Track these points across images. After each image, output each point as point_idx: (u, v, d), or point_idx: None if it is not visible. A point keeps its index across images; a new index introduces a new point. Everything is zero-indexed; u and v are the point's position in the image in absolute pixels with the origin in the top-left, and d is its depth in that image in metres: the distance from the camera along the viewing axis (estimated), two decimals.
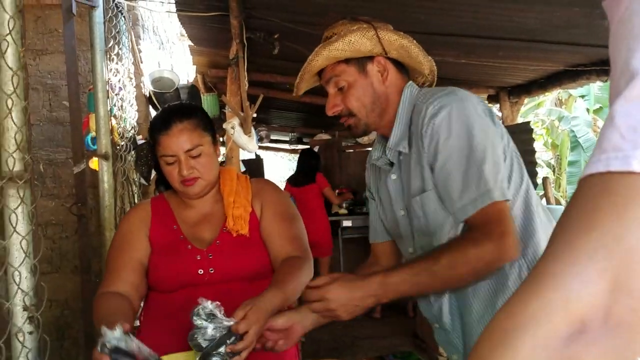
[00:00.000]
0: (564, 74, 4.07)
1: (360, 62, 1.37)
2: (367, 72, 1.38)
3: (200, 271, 1.52)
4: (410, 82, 1.42)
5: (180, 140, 1.54)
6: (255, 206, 1.66)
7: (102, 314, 1.39)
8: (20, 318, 1.44)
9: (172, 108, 1.65)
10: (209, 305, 1.25)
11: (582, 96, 9.88)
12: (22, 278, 1.44)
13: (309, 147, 6.46)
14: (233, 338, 1.24)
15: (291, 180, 5.91)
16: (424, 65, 1.42)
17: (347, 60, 1.37)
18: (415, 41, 1.37)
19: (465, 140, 1.21)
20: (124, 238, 1.61)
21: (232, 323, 1.25)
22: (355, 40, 1.33)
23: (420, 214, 1.33)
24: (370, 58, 1.37)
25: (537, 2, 2.66)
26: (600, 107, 7.82)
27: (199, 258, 1.54)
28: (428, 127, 1.25)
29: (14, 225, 1.41)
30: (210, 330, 1.24)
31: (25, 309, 1.45)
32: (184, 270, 1.53)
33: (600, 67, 3.72)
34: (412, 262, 1.25)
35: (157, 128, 1.58)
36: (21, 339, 1.44)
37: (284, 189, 5.99)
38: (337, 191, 6.25)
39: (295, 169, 6.05)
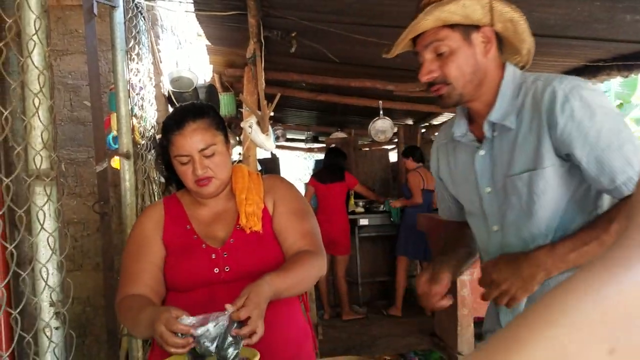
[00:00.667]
0: (584, 70, 4.02)
1: (467, 29, 1.33)
2: (471, 41, 1.34)
3: (216, 270, 1.52)
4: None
5: (194, 139, 1.54)
6: (267, 202, 1.65)
7: (133, 313, 1.42)
8: (47, 314, 1.46)
9: (184, 108, 1.65)
10: (192, 320, 1.26)
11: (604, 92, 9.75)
12: (49, 274, 1.46)
13: (336, 145, 6.46)
14: (235, 324, 1.26)
15: (316, 176, 5.92)
16: (526, 42, 1.39)
17: (452, 26, 1.33)
18: (524, 16, 1.34)
19: (612, 119, 1.24)
20: (139, 243, 1.61)
21: (229, 312, 1.26)
22: (469, 5, 1.29)
23: (524, 191, 1.33)
24: (477, 27, 1.34)
25: None
26: (621, 103, 7.71)
27: (214, 257, 1.54)
28: (565, 106, 1.24)
29: (41, 222, 1.43)
30: (212, 329, 1.24)
31: (52, 304, 1.47)
32: (200, 270, 1.53)
33: (621, 63, 3.66)
34: (579, 232, 1.25)
35: (170, 128, 1.58)
36: (48, 334, 1.46)
37: (309, 183, 6.01)
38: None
39: (317, 166, 6.01)
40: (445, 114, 6.68)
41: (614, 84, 6.42)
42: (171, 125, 1.58)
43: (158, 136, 3.13)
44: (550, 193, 1.30)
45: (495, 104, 1.36)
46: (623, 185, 1.23)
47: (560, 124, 1.24)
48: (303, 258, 1.54)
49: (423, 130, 7.44)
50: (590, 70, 3.96)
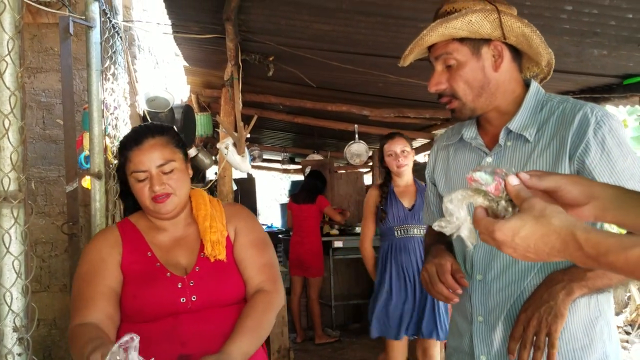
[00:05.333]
0: None
1: (476, 43, 1.32)
2: (480, 55, 1.32)
3: (183, 299, 1.49)
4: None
5: (153, 155, 1.53)
6: (229, 230, 1.64)
7: (79, 346, 1.32)
8: (10, 340, 1.42)
9: (143, 126, 1.64)
10: None
11: None
12: (13, 299, 1.42)
13: (317, 169, 6.49)
14: None
15: (293, 197, 5.97)
16: (543, 57, 1.36)
17: (461, 39, 1.32)
18: (537, 31, 1.31)
19: (632, 152, 1.26)
20: (94, 266, 1.52)
21: None
22: (476, 21, 1.27)
23: None
24: (487, 41, 1.32)
25: None
26: None
27: (180, 286, 1.50)
28: (597, 132, 1.25)
29: (7, 245, 1.40)
30: None
31: (15, 330, 1.43)
32: (166, 299, 1.48)
33: (589, 95, 3.78)
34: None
35: (128, 145, 1.55)
36: None
37: (287, 205, 6.02)
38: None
39: (293, 186, 6.02)
40: (419, 139, 6.77)
41: None
42: (129, 141, 1.56)
43: None
44: None
45: (517, 113, 1.35)
46: None
47: (592, 149, 1.24)
48: (257, 309, 1.53)
49: None
50: None
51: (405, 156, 3.31)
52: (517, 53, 1.36)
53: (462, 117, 1.39)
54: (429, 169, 1.65)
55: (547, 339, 1.21)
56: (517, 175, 0.88)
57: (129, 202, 1.72)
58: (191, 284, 1.51)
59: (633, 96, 3.53)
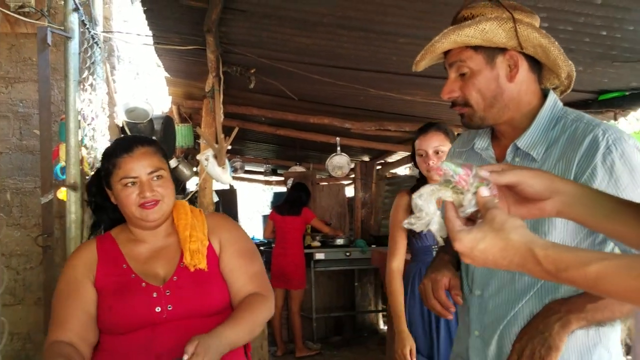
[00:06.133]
0: None
1: (491, 52, 1.27)
2: (495, 64, 1.27)
3: (158, 309, 1.48)
4: (551, 90, 1.33)
5: (143, 162, 1.55)
6: (213, 241, 1.64)
7: None
8: None
9: (131, 136, 1.69)
10: None
11: None
12: None
13: (301, 181, 6.49)
14: None
15: (276, 208, 5.94)
16: (562, 69, 1.29)
17: (475, 47, 1.27)
18: (556, 42, 1.26)
19: None
20: (69, 286, 1.55)
21: None
22: (490, 29, 1.22)
23: (527, 224, 1.25)
24: (503, 50, 1.26)
25: None
26: None
27: (155, 295, 1.50)
28: (607, 157, 1.18)
29: None
30: None
31: None
32: (140, 310, 1.48)
33: None
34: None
35: (117, 152, 1.57)
36: None
37: (269, 216, 6.00)
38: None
39: (275, 198, 6.00)
40: (400, 152, 6.81)
41: None
42: (118, 149, 1.57)
43: None
44: (553, 235, 1.23)
45: (527, 129, 1.29)
46: None
47: (599, 175, 1.18)
48: (253, 304, 1.54)
49: (378, 167, 7.60)
50: None
51: (439, 157, 2.44)
52: (535, 64, 1.31)
53: (472, 125, 1.34)
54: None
55: None
56: (479, 169, 0.88)
57: (103, 216, 1.71)
58: (167, 294, 1.50)
59: (608, 111, 3.60)
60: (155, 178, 1.55)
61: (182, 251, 1.58)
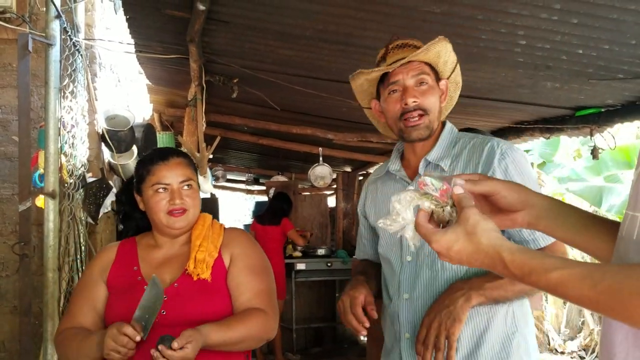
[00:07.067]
0: (509, 130, 4.27)
1: (437, 75, 1.53)
2: (438, 86, 1.53)
3: None
4: None
5: (177, 171, 1.63)
6: (224, 254, 1.66)
7: (75, 341, 1.52)
8: None
9: (166, 147, 1.81)
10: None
11: (527, 151, 10.31)
12: None
13: (283, 191, 6.48)
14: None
15: (258, 218, 5.94)
16: (449, 107, 1.65)
17: (431, 67, 1.51)
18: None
19: (534, 180, 1.48)
20: (85, 284, 1.67)
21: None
22: (453, 58, 1.52)
23: None
24: (439, 78, 1.54)
25: (486, 62, 2.81)
26: (544, 161, 8.21)
27: None
28: (501, 162, 1.44)
29: None
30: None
31: None
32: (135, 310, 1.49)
33: (543, 125, 3.92)
34: None
35: (153, 160, 1.65)
36: None
37: (251, 226, 5.98)
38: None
39: (257, 207, 5.98)
40: (381, 163, 6.85)
41: (538, 143, 6.85)
42: (155, 157, 1.66)
43: (88, 175, 3.05)
44: None
45: (433, 147, 1.53)
46: (541, 237, 1.38)
47: (497, 176, 1.39)
48: (250, 316, 1.55)
49: (360, 178, 7.63)
50: (515, 130, 4.21)
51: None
52: None
53: (423, 136, 1.51)
54: (361, 203, 1.78)
55: (446, 341, 1.31)
56: (455, 178, 0.91)
57: (132, 224, 1.78)
58: (164, 298, 1.52)
59: (585, 127, 3.67)
60: (185, 187, 1.64)
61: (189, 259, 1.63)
